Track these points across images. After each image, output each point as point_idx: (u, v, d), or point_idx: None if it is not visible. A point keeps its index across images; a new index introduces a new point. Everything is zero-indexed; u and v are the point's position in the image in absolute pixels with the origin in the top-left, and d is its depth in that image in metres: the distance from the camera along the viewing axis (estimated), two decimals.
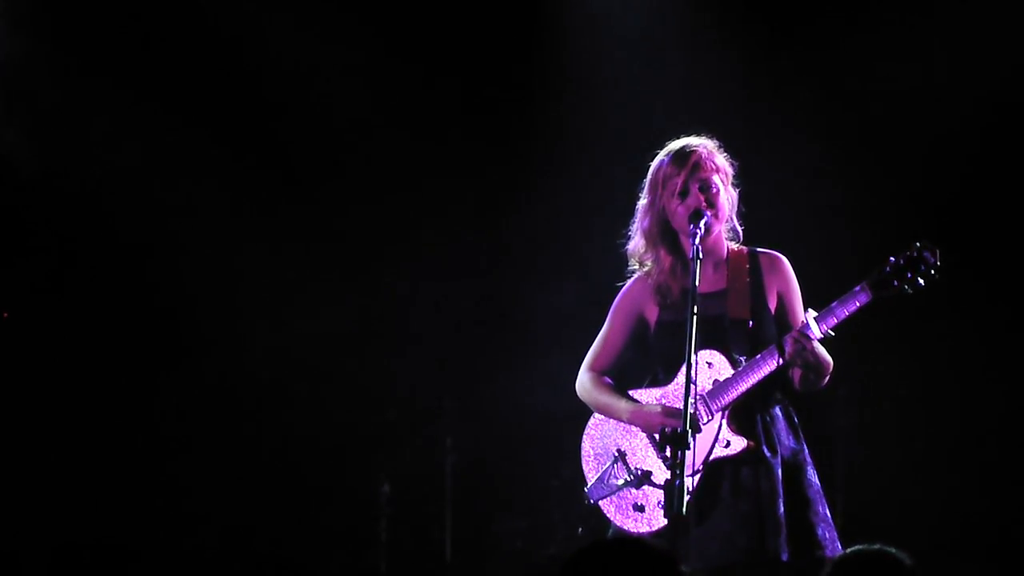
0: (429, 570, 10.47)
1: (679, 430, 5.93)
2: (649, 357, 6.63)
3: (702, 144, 6.50)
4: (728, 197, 6.48)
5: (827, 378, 6.39)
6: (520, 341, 10.19)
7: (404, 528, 10.51)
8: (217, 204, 10.36)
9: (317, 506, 10.54)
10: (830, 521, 6.39)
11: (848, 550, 4.31)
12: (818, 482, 6.43)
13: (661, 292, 6.54)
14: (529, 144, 10.39)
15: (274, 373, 10.39)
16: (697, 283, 6.13)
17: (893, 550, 4.25)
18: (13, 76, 9.95)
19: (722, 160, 6.50)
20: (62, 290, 10.29)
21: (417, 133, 10.48)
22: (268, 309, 10.43)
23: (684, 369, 6.32)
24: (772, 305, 6.50)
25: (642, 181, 6.57)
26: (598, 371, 6.71)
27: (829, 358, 6.32)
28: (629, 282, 6.66)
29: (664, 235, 6.53)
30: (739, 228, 6.57)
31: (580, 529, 6.22)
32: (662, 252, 6.53)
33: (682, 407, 6.31)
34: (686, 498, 5.79)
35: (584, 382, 6.72)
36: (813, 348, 6.22)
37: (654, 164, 6.54)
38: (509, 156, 10.45)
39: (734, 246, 6.58)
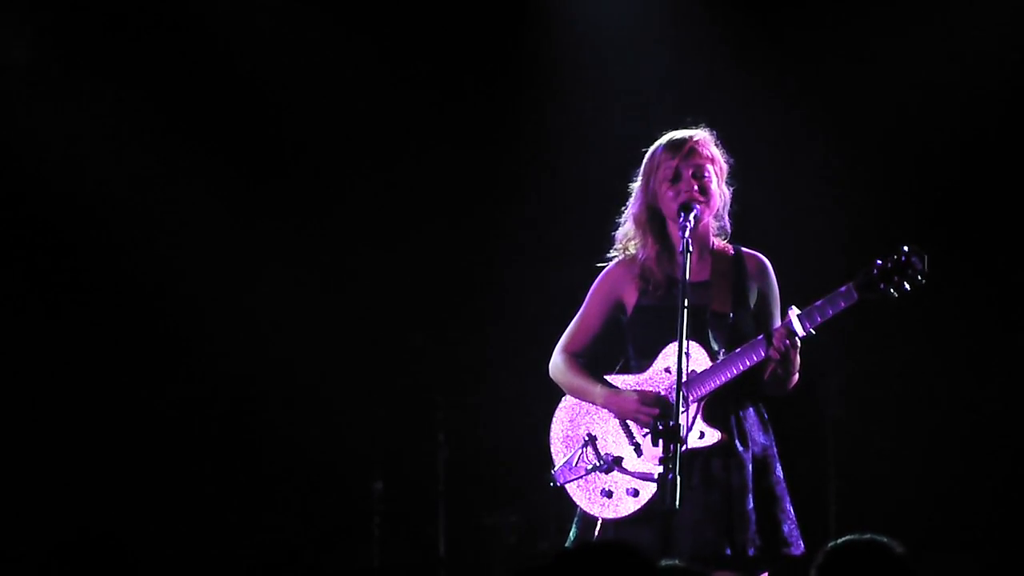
0: (422, 565, 10.49)
1: (671, 423, 5.95)
2: (623, 341, 6.62)
3: (698, 133, 6.54)
4: (720, 190, 6.51)
5: (794, 382, 6.40)
6: (512, 334, 10.21)
7: (397, 524, 10.52)
8: (207, 204, 10.37)
9: (310, 504, 10.55)
10: (794, 518, 6.42)
11: (840, 540, 4.33)
12: (784, 479, 6.45)
13: (644, 277, 6.54)
14: (524, 132, 10.38)
15: (266, 371, 10.39)
16: (688, 276, 6.17)
17: (884, 539, 4.27)
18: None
19: (717, 152, 6.53)
20: (39, 289, 10.31)
21: (405, 131, 10.48)
22: (261, 306, 10.43)
23: (661, 358, 6.42)
24: (752, 303, 6.52)
25: (637, 169, 6.61)
26: (572, 352, 6.67)
27: (798, 360, 6.34)
28: (610, 264, 6.66)
29: (653, 221, 6.54)
30: (728, 226, 6.60)
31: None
32: (650, 239, 6.54)
33: (658, 396, 6.39)
34: (678, 492, 5.83)
35: (558, 363, 6.68)
36: (797, 345, 6.25)
37: (649, 150, 6.57)
38: (502, 144, 10.44)
39: (720, 242, 6.60)
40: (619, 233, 6.67)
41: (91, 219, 10.27)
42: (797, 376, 6.39)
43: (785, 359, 6.25)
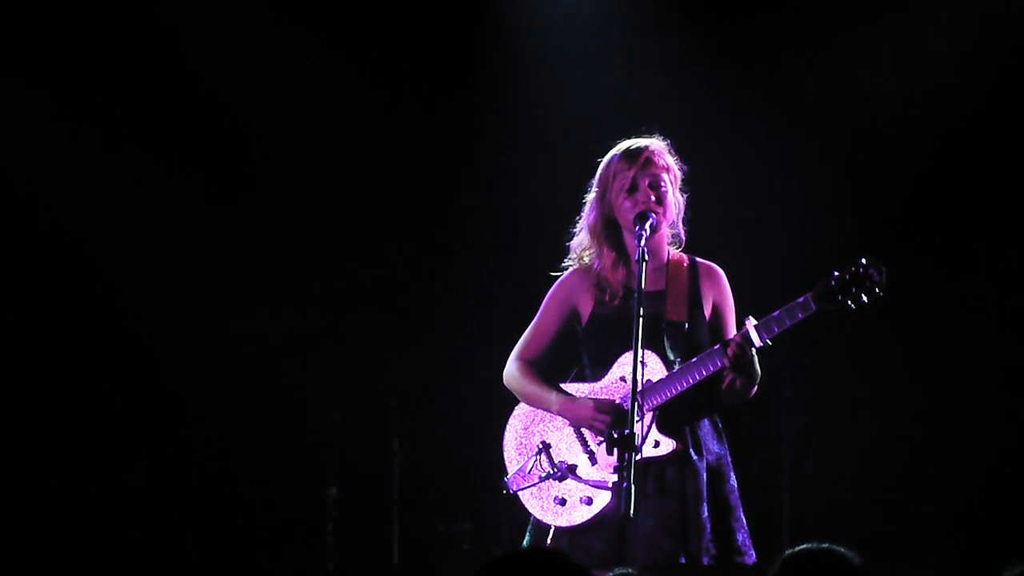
0: (377, 573, 10.46)
1: (626, 432, 5.94)
2: (577, 350, 6.63)
3: (653, 142, 6.55)
4: (675, 199, 6.52)
5: (754, 390, 6.42)
6: (467, 341, 10.19)
7: (351, 530, 10.49)
8: (160, 205, 10.32)
9: (264, 509, 10.50)
10: (747, 528, 6.44)
11: (796, 549, 4.32)
12: (738, 488, 6.47)
13: (599, 287, 6.55)
14: (477, 139, 10.37)
15: (221, 376, 10.34)
16: (643, 285, 6.17)
17: (841, 549, 4.26)
18: None
19: (672, 161, 6.55)
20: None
21: (363, 141, 10.46)
22: (214, 311, 10.38)
23: (617, 366, 6.43)
24: (707, 313, 6.54)
25: (591, 179, 6.61)
26: (527, 360, 6.67)
27: (759, 370, 6.36)
28: (566, 273, 6.66)
29: (608, 231, 6.55)
30: (683, 235, 6.61)
31: None
32: (605, 248, 6.55)
33: (613, 404, 6.39)
34: (632, 500, 5.82)
35: (512, 370, 6.67)
36: (753, 354, 6.26)
37: (604, 160, 6.58)
38: (455, 151, 10.43)
39: (674, 251, 6.61)
40: (574, 243, 6.67)
41: (50, 226, 10.23)
42: (757, 387, 6.41)
43: (742, 369, 6.27)
